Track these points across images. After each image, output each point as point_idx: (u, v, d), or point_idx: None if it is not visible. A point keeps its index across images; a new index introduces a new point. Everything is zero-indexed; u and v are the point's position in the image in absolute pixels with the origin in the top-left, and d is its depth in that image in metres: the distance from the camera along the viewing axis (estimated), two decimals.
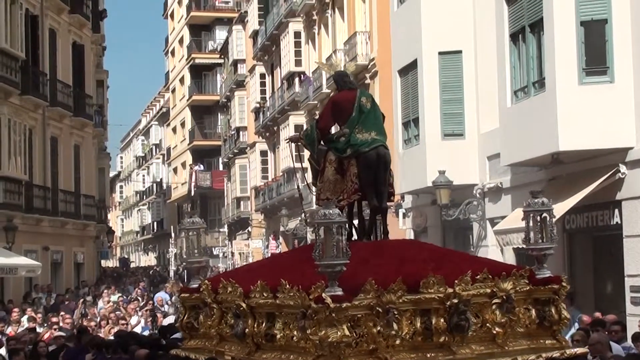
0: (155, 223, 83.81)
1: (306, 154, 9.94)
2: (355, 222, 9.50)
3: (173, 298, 25.09)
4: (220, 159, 65.53)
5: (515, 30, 18.40)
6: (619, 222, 16.43)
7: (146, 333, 18.09)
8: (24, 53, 33.09)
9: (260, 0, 49.08)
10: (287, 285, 7.54)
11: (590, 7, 16.41)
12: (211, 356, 8.49)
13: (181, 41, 74.06)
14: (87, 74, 42.00)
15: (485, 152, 21.15)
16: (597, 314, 14.53)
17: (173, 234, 58.58)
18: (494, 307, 7.84)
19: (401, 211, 26.27)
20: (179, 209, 71.86)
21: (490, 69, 20.05)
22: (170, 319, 19.01)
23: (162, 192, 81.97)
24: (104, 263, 59.00)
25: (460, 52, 21.86)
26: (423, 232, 24.66)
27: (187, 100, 70.83)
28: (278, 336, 7.68)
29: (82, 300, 27.05)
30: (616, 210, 16.51)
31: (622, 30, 16.10)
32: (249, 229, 54.19)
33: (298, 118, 39.62)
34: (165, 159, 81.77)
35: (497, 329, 7.80)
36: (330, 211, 7.27)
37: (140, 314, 22.52)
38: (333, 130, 9.64)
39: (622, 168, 16.15)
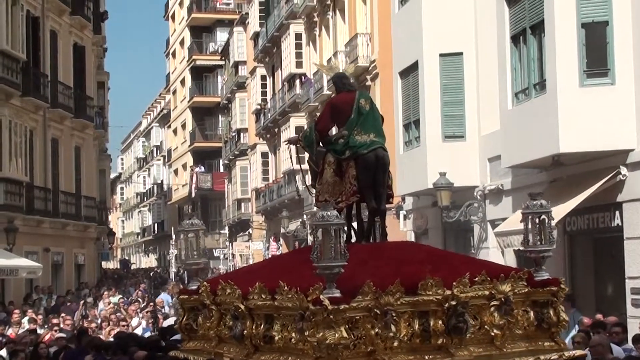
0: (155, 225, 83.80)
1: (306, 155, 9.94)
2: (354, 224, 9.50)
3: (173, 299, 25.09)
4: (221, 161, 65.55)
5: (516, 32, 18.40)
6: (620, 224, 16.42)
7: (147, 334, 18.08)
8: (24, 54, 33.10)
9: (262, 2, 49.10)
10: (286, 287, 7.54)
11: (591, 9, 16.41)
12: (210, 358, 8.48)
13: (182, 43, 74.09)
14: (88, 75, 42.01)
15: (486, 154, 21.15)
16: (599, 316, 14.52)
17: (174, 236, 58.57)
18: (492, 309, 7.83)
19: (402, 213, 26.26)
20: (179, 210, 71.91)
21: (491, 70, 20.05)
22: (170, 321, 19.00)
23: (162, 194, 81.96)
24: (104, 264, 58.99)
25: (461, 53, 21.86)
26: (424, 234, 24.66)
27: (188, 101, 70.84)
28: (276, 338, 7.68)
29: (82, 301, 27.05)
30: (617, 212, 16.51)
31: (623, 32, 16.10)
32: (250, 230, 54.18)
33: (299, 120, 39.62)
34: (166, 160, 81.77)
35: (495, 331, 7.79)
36: (328, 213, 7.27)
37: (141, 315, 22.52)
38: (332, 132, 9.64)
39: (623, 170, 16.14)
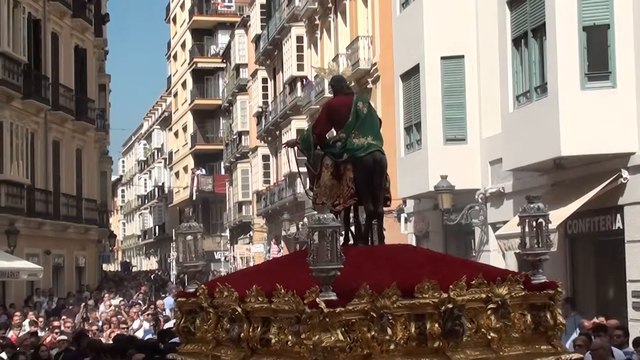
0: (157, 227, 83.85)
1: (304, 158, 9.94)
2: (352, 227, 9.49)
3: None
4: (222, 163, 65.58)
5: (517, 35, 18.41)
6: (621, 227, 16.43)
7: (149, 337, 18.08)
8: (26, 57, 33.15)
9: (263, 4, 49.14)
10: (282, 290, 7.54)
11: (593, 12, 16.42)
12: None
13: (183, 45, 74.13)
14: (89, 78, 42.05)
15: (488, 157, 21.15)
16: (601, 318, 14.53)
17: (175, 238, 58.60)
18: (489, 312, 7.81)
19: (403, 216, 26.27)
20: (180, 213, 71.92)
21: (492, 73, 20.05)
22: (170, 324, 19.01)
23: (163, 196, 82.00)
24: (105, 267, 59.00)
25: (462, 56, 21.87)
26: (425, 236, 24.66)
27: (189, 104, 70.88)
28: (273, 341, 7.66)
29: (83, 304, 27.06)
30: (618, 216, 16.51)
31: (625, 36, 16.11)
32: (251, 233, 54.20)
33: (300, 122, 39.62)
34: (167, 163, 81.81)
35: (492, 334, 7.78)
36: (325, 216, 7.25)
37: (141, 317, 22.51)
38: (330, 134, 9.63)
39: (625, 173, 16.15)
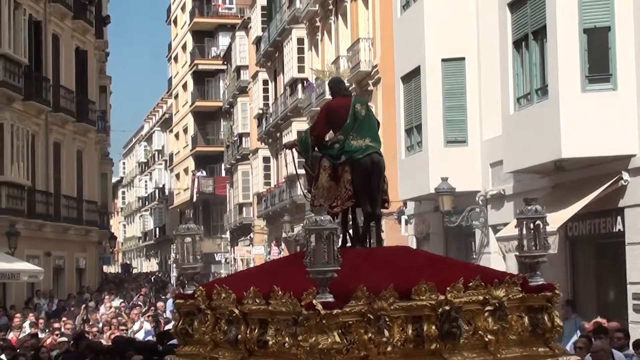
0: (157, 229, 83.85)
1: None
2: (350, 229, 9.49)
3: None
4: (222, 165, 65.59)
5: (518, 38, 18.41)
6: (622, 229, 16.42)
7: (150, 338, 18.10)
8: (27, 58, 33.16)
9: (264, 6, 49.15)
10: (279, 292, 7.54)
11: (594, 14, 16.42)
12: None
13: (184, 47, 74.15)
14: (90, 79, 42.06)
15: (488, 159, 21.15)
16: (603, 320, 14.51)
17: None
18: (486, 314, 7.81)
19: (403, 218, 26.26)
20: (181, 214, 71.88)
21: (493, 76, 20.05)
22: (170, 325, 19.01)
23: (164, 198, 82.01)
24: (106, 269, 58.99)
25: (463, 59, 21.87)
26: (425, 238, 24.65)
27: (190, 106, 70.90)
28: (270, 342, 7.66)
29: (84, 305, 27.05)
30: (619, 218, 16.51)
31: (625, 38, 16.11)
32: (251, 235, 54.20)
33: (301, 124, 39.60)
34: (168, 164, 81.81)
35: (489, 336, 7.77)
36: (322, 217, 7.25)
37: (142, 319, 22.51)
38: (328, 136, 9.64)
39: (625, 175, 16.14)
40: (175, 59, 78.11)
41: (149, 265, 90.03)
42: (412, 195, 23.70)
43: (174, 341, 11.00)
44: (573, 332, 14.99)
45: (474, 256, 21.82)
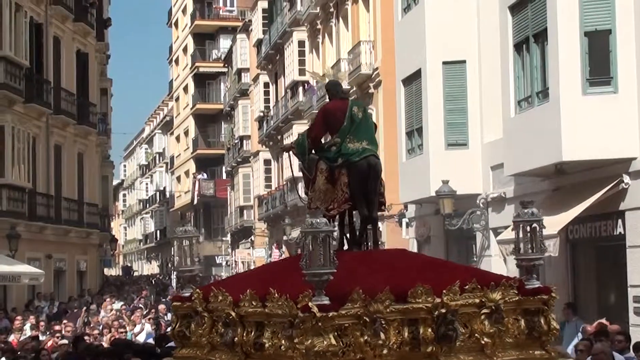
0: (158, 231, 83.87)
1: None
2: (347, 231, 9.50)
3: None
4: (223, 168, 65.60)
5: (519, 40, 18.41)
6: (623, 232, 16.43)
7: (150, 340, 18.09)
8: (28, 61, 33.16)
9: (265, 9, 49.18)
10: (276, 294, 7.54)
11: (594, 17, 16.42)
12: None
13: (185, 50, 74.18)
14: (91, 82, 42.06)
15: (489, 162, 21.15)
16: (606, 322, 14.51)
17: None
18: (482, 317, 7.81)
19: (404, 221, 26.26)
20: (182, 217, 71.92)
21: (494, 79, 20.06)
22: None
23: (165, 201, 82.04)
24: (106, 271, 58.96)
25: (464, 62, 21.87)
26: (426, 241, 24.65)
27: (191, 108, 70.93)
28: (267, 345, 7.65)
29: (85, 308, 27.04)
30: (619, 221, 16.51)
31: (626, 41, 16.11)
32: (252, 237, 54.20)
33: (302, 127, 39.51)
34: (169, 167, 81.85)
35: (485, 339, 7.77)
36: (318, 220, 7.25)
37: (143, 322, 22.51)
38: (325, 139, 9.64)
39: (626, 178, 16.15)
40: (176, 61, 78.15)
41: (150, 268, 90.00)
42: (413, 198, 23.71)
43: (172, 344, 11.02)
44: (574, 335, 15.00)
45: (475, 259, 21.83)
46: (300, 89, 40.58)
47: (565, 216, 16.49)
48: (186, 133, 73.96)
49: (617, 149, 16.13)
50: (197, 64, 69.85)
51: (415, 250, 24.20)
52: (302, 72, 40.51)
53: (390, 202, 23.92)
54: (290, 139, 39.89)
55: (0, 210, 30.99)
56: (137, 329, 21.64)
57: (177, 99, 77.76)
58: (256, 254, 51.26)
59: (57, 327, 20.31)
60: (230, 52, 59.86)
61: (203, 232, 67.02)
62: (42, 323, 22.69)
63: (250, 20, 54.45)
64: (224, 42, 66.78)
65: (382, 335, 7.44)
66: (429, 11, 22.27)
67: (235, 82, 57.49)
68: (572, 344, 13.64)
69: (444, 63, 21.97)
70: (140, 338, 20.00)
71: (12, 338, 20.29)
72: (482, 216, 21.41)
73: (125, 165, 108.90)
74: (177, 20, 77.84)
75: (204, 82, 70.58)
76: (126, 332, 20.76)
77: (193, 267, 9.26)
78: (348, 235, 9.36)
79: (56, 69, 37.16)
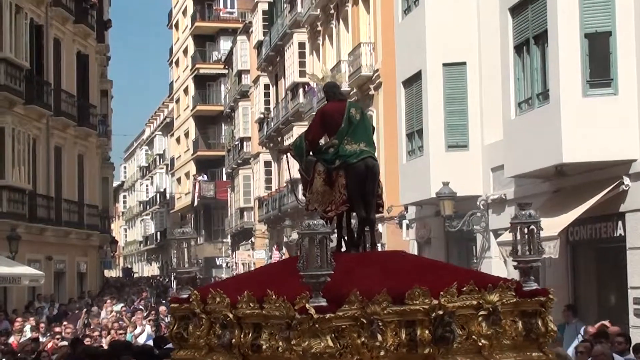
0: (158, 233, 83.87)
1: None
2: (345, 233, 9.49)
3: None
4: (224, 170, 65.60)
5: (519, 42, 18.41)
6: (623, 234, 16.43)
7: (150, 342, 18.09)
8: (28, 62, 33.17)
9: (265, 11, 49.19)
10: (273, 296, 7.53)
11: (595, 19, 16.43)
12: None
13: (185, 51, 74.19)
14: (91, 83, 42.08)
15: (489, 163, 21.16)
16: (608, 324, 14.50)
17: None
18: (480, 319, 7.80)
19: (405, 222, 26.26)
20: (182, 219, 71.95)
21: (494, 80, 20.06)
22: None
23: (165, 202, 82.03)
24: (107, 273, 59.01)
25: (464, 63, 21.88)
26: (426, 243, 24.65)
27: (191, 110, 70.94)
28: (264, 347, 7.65)
29: (85, 310, 27.04)
30: (620, 222, 16.51)
31: (626, 43, 16.12)
32: (252, 239, 54.19)
33: (302, 129, 39.37)
34: (169, 169, 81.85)
35: (483, 340, 7.76)
36: (315, 222, 7.24)
37: (143, 323, 22.51)
38: (322, 141, 9.63)
39: (626, 180, 16.15)
40: (177, 63, 78.16)
41: (150, 270, 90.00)
42: (413, 200, 23.71)
43: (170, 345, 11.02)
44: (574, 337, 14.99)
45: (475, 261, 21.82)
46: (301, 90, 40.59)
47: (565, 218, 16.49)
48: (186, 135, 73.97)
49: (618, 151, 16.13)
50: (197, 66, 69.85)
51: (415, 252, 24.22)
52: (302, 73, 40.52)
53: (390, 204, 24.02)
54: (290, 140, 39.88)
55: (1, 212, 31.00)
56: (138, 330, 21.64)
57: (177, 101, 77.77)
58: (256, 255, 51.25)
59: (57, 329, 20.30)
60: (230, 53, 59.87)
61: (203, 234, 67.06)
62: (42, 325, 22.68)
63: (250, 22, 54.47)
64: (225, 44, 66.80)
65: (380, 337, 7.43)
66: (429, 13, 22.27)
67: (235, 84, 57.51)
68: (572, 346, 13.63)
69: (444, 65, 21.98)
70: (141, 340, 19.99)
71: (12, 340, 20.28)
72: (483, 218, 21.41)
73: (125, 167, 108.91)
74: (177, 21, 77.85)
75: (204, 84, 70.59)
76: (126, 333, 20.75)
77: (191, 269, 9.25)
78: (345, 237, 9.36)
79: (56, 71, 37.18)
